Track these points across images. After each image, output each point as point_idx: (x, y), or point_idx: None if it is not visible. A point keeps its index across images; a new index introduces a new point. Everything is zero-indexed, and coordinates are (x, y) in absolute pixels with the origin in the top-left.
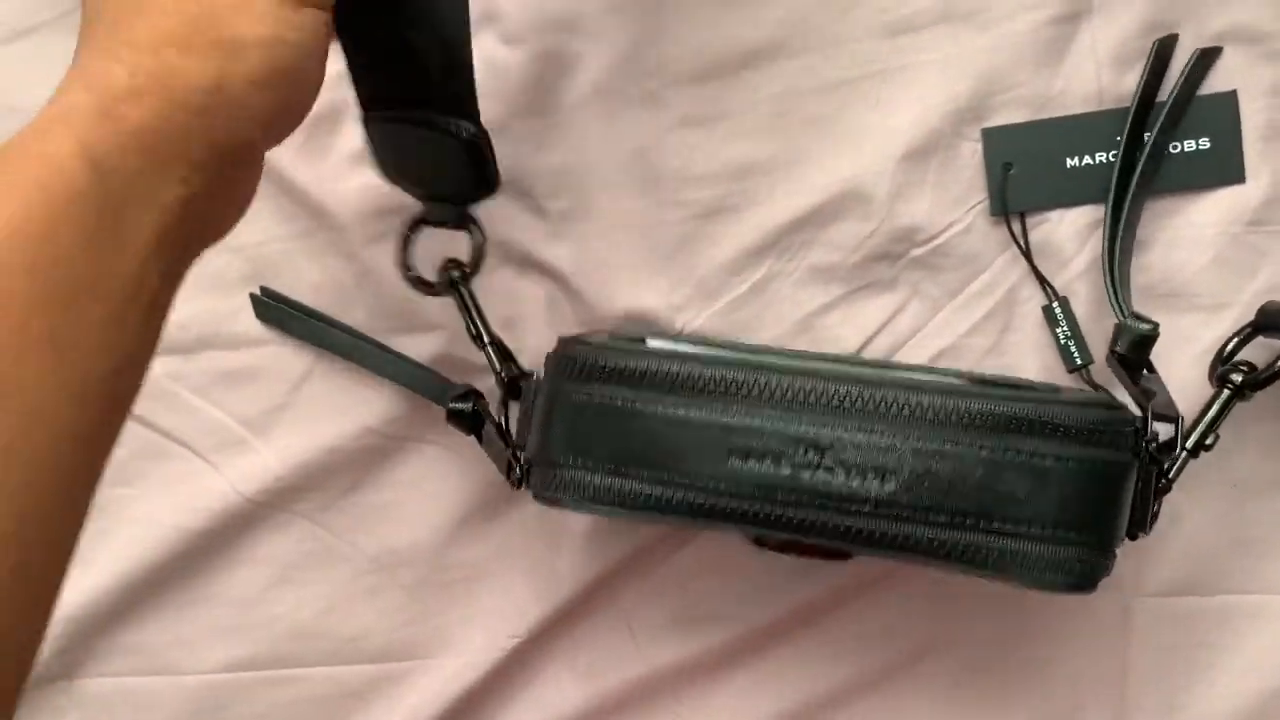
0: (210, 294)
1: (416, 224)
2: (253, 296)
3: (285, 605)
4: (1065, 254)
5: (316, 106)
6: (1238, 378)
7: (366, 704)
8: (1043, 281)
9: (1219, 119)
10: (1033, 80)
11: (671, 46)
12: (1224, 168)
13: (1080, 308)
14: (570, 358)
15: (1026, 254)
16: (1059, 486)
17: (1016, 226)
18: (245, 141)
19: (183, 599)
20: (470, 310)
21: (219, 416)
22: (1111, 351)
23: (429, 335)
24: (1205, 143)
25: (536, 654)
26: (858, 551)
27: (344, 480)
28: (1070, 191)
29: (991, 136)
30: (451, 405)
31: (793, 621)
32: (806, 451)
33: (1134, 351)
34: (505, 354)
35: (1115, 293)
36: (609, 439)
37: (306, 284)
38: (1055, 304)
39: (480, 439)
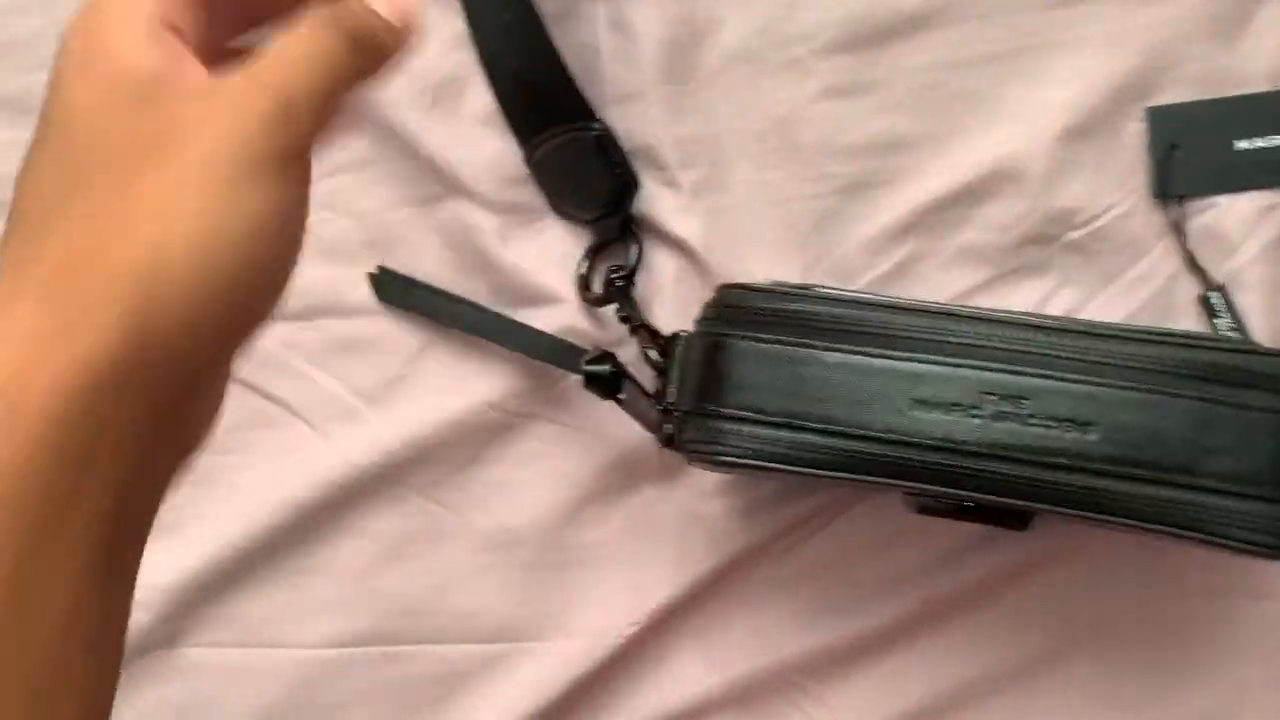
0: (327, 262)
1: (596, 251)
2: (370, 276)
3: (394, 581)
4: (1231, 241)
5: (443, 68)
6: None
7: (476, 684)
8: (1196, 269)
9: None
10: (1204, 57)
11: (818, 12)
12: None
13: (1248, 298)
14: (736, 304)
15: (1181, 240)
16: (1266, 439)
17: (1178, 211)
18: (186, 373)
19: (288, 571)
20: (632, 319)
21: (332, 386)
22: None
23: (552, 309)
24: None
25: (658, 641)
26: (1049, 510)
27: (460, 455)
28: (1239, 176)
29: (1157, 116)
30: (588, 368)
31: (929, 612)
32: (999, 401)
33: None
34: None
35: None
36: (780, 388)
37: (427, 254)
38: (1213, 293)
39: (620, 403)
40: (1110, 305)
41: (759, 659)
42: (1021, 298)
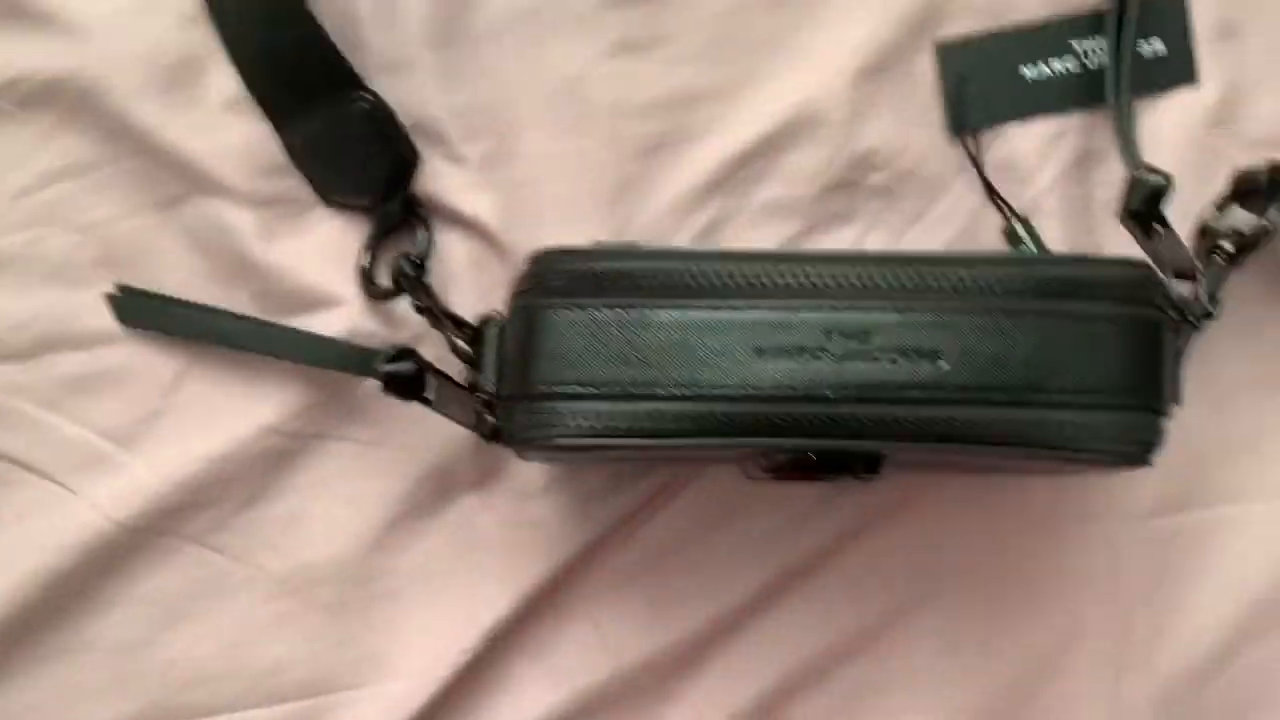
0: (52, 286)
1: (378, 240)
2: (108, 297)
3: (179, 646)
4: (1027, 169)
5: (175, 48)
6: (1229, 245)
7: None
8: (998, 201)
9: (1170, 20)
10: None
11: None
12: (1177, 70)
13: (1049, 224)
14: (552, 269)
15: (980, 172)
16: (1113, 349)
17: (974, 145)
18: None
19: (47, 653)
20: (433, 310)
21: (75, 431)
22: (1124, 209)
23: (332, 312)
24: (1158, 44)
25: (494, 665)
26: (907, 447)
27: (239, 492)
28: (1028, 103)
29: (946, 50)
30: (388, 368)
31: (776, 586)
32: (844, 339)
33: (1146, 205)
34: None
35: (1126, 144)
36: (611, 356)
37: (175, 265)
38: (1016, 222)
39: (429, 404)
40: (918, 246)
41: (604, 665)
42: (831, 247)
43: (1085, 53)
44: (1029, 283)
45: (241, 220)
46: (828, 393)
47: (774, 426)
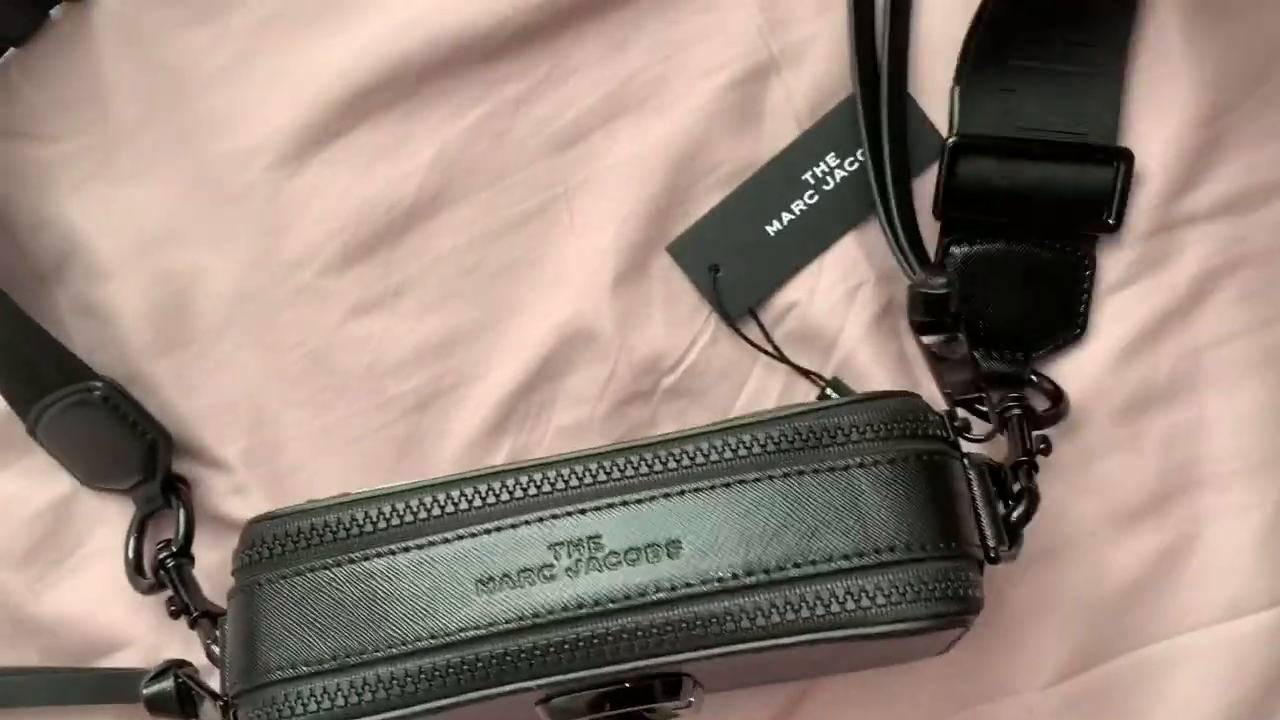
0: None
1: (142, 524)
2: None
3: None
4: (829, 332)
5: None
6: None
7: None
8: (803, 373)
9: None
10: (734, 152)
11: (307, 229)
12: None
13: (871, 381)
14: (262, 539)
15: (776, 352)
16: (870, 495)
17: (756, 325)
18: None
19: None
20: (190, 607)
21: None
22: (911, 322)
23: (121, 655)
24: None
25: None
26: (663, 665)
27: None
28: (788, 257)
29: (680, 248)
30: (148, 691)
31: None
32: (571, 549)
33: (931, 314)
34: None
35: (903, 256)
36: (325, 623)
37: None
38: (826, 388)
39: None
40: None
41: None
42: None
43: (821, 177)
44: (761, 443)
45: (9, 582)
46: (562, 616)
47: (513, 667)
